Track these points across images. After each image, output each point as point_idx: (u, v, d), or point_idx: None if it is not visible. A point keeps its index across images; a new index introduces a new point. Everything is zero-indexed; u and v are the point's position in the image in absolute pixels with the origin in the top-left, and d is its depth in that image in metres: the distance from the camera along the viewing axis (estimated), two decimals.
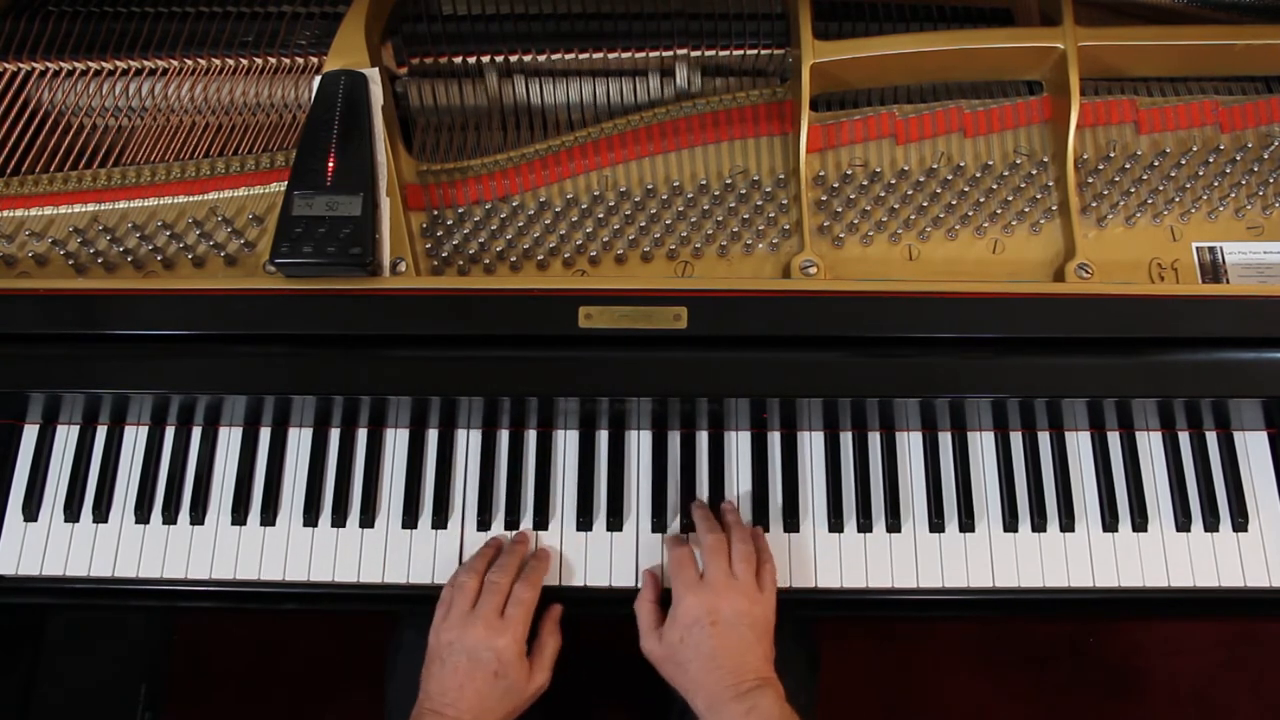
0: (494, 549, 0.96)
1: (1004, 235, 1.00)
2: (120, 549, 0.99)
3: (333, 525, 0.99)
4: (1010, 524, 0.98)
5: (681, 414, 1.00)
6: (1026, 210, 1.00)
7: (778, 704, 0.84)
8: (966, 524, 0.99)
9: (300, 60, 1.05)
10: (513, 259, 0.99)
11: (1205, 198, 1.01)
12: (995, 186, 1.00)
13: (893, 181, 1.01)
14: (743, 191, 1.01)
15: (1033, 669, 1.69)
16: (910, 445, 1.02)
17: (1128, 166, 1.01)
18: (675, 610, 0.88)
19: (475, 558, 0.95)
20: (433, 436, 1.02)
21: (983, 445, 1.01)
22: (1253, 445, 1.02)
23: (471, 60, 1.06)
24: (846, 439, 1.02)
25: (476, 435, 1.03)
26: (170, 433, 1.03)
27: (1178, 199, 1.00)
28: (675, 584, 0.90)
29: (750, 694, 0.83)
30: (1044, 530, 0.98)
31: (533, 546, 0.98)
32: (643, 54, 1.05)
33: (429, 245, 1.00)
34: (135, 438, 1.03)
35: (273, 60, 1.05)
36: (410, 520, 0.99)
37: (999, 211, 1.00)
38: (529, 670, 0.90)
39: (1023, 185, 1.01)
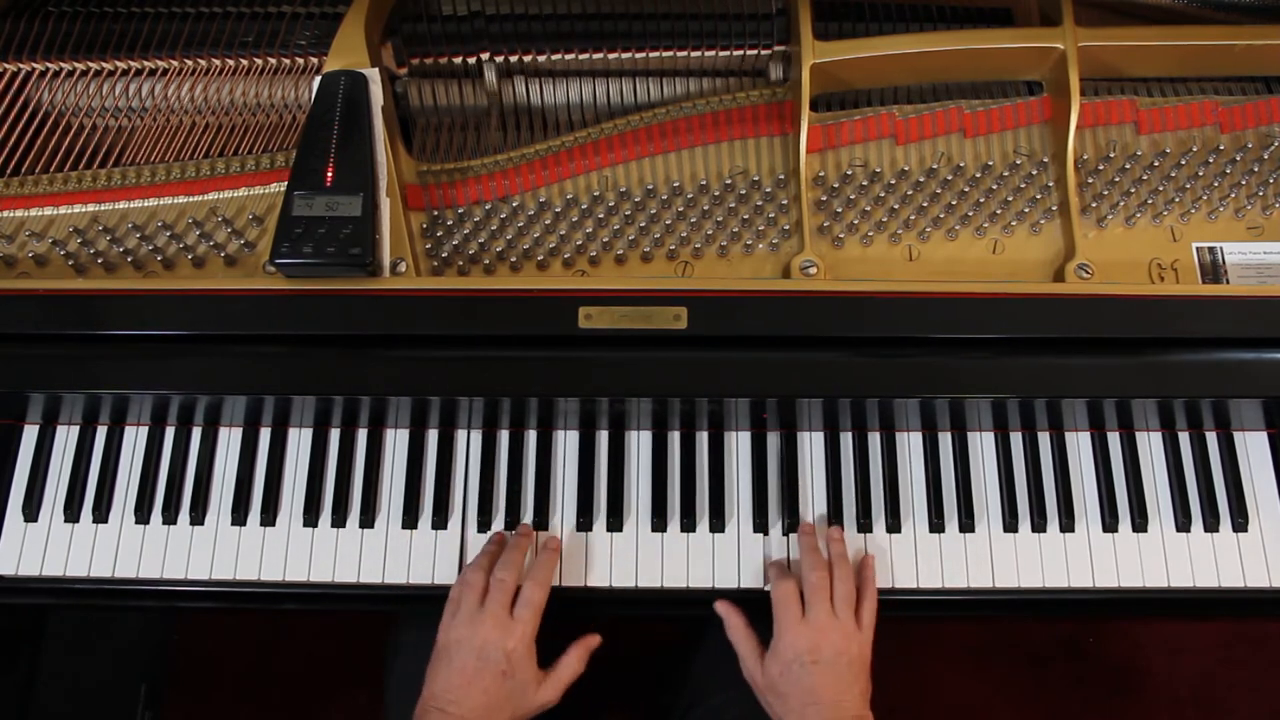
0: (497, 544, 0.96)
1: (1004, 235, 1.00)
2: (120, 549, 0.99)
3: (333, 525, 0.99)
4: (1010, 524, 0.98)
5: (681, 414, 1.00)
6: (1026, 210, 1.00)
7: None
8: (966, 524, 0.99)
9: (300, 60, 1.05)
10: (513, 259, 0.99)
11: (1205, 198, 1.01)
12: (995, 187, 1.00)
13: (893, 182, 1.01)
14: (743, 191, 1.01)
15: (1033, 669, 1.69)
16: (910, 445, 1.02)
17: (1128, 166, 1.01)
18: (777, 644, 0.89)
19: (481, 555, 0.95)
20: (433, 436, 1.02)
21: (983, 445, 1.01)
22: (1253, 445, 1.02)
23: (471, 60, 1.06)
24: (846, 439, 1.02)
25: (476, 435, 1.03)
26: (170, 433, 1.03)
27: (1178, 199, 1.00)
28: (779, 619, 0.90)
29: None
30: (1044, 530, 0.98)
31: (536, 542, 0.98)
32: (643, 54, 1.05)
33: (429, 245, 1.00)
34: (135, 438, 1.03)
35: (273, 60, 1.06)
36: (410, 520, 0.99)
37: (999, 212, 1.00)
38: (539, 678, 0.90)
39: (1023, 185, 1.01)
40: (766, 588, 0.94)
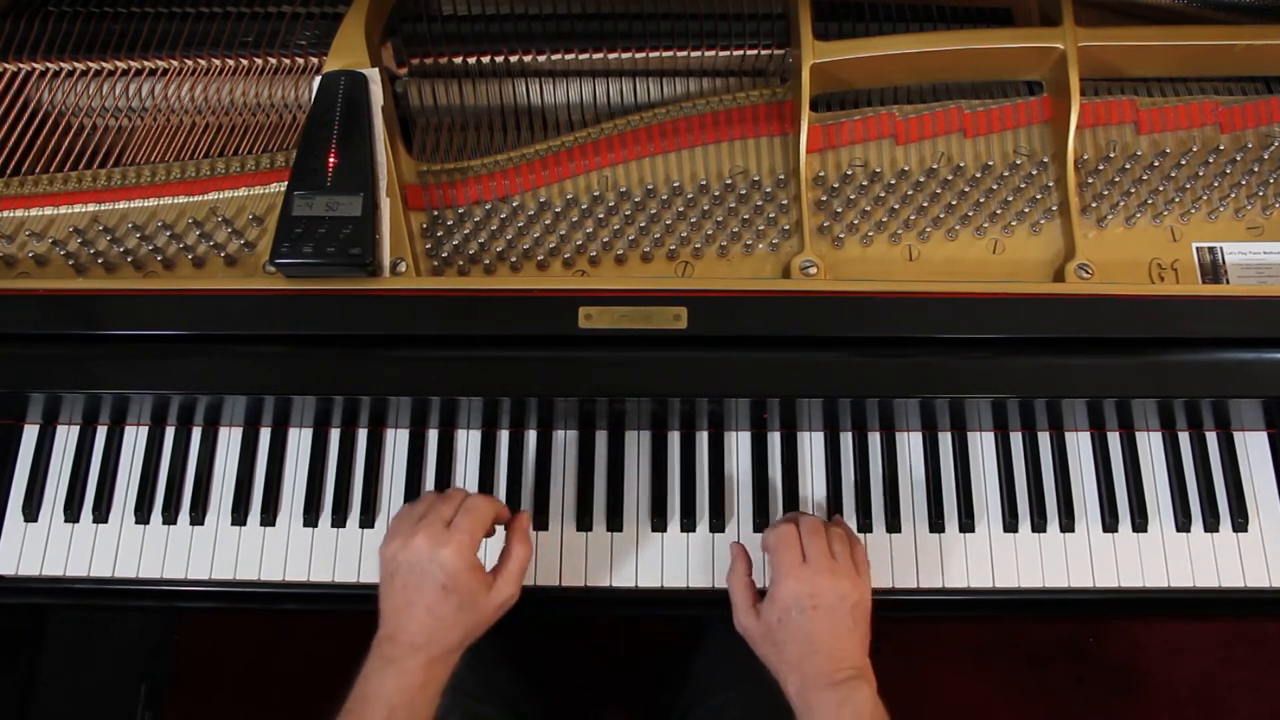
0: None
1: (1004, 235, 1.00)
2: (120, 549, 0.99)
3: (333, 525, 1.00)
4: (1010, 524, 0.98)
5: (681, 414, 1.00)
6: (1026, 210, 1.00)
7: (871, 699, 0.81)
8: (966, 524, 0.99)
9: (300, 60, 1.05)
10: (513, 259, 0.99)
11: (1205, 198, 1.01)
12: (995, 187, 1.00)
13: (893, 182, 1.01)
14: (743, 191, 1.01)
15: (1033, 669, 1.69)
16: (910, 445, 1.02)
17: (1128, 166, 1.01)
18: (776, 590, 0.86)
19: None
20: (433, 436, 1.02)
21: (983, 445, 1.01)
22: (1253, 445, 1.02)
23: (471, 60, 1.06)
24: (846, 439, 1.02)
25: (476, 435, 1.03)
26: (170, 433, 1.03)
27: (1178, 199, 1.00)
28: (778, 564, 0.87)
29: (845, 684, 0.81)
30: (1044, 530, 0.98)
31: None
32: (643, 54, 1.05)
33: (429, 245, 1.00)
34: (135, 438, 1.03)
35: (273, 60, 1.05)
36: None
37: (999, 212, 1.00)
38: (487, 582, 0.84)
39: (1023, 185, 1.01)
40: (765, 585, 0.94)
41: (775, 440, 1.02)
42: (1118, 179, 1.01)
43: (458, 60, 1.06)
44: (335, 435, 1.03)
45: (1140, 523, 0.98)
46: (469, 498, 0.86)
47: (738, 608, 0.89)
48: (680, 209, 1.01)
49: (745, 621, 0.88)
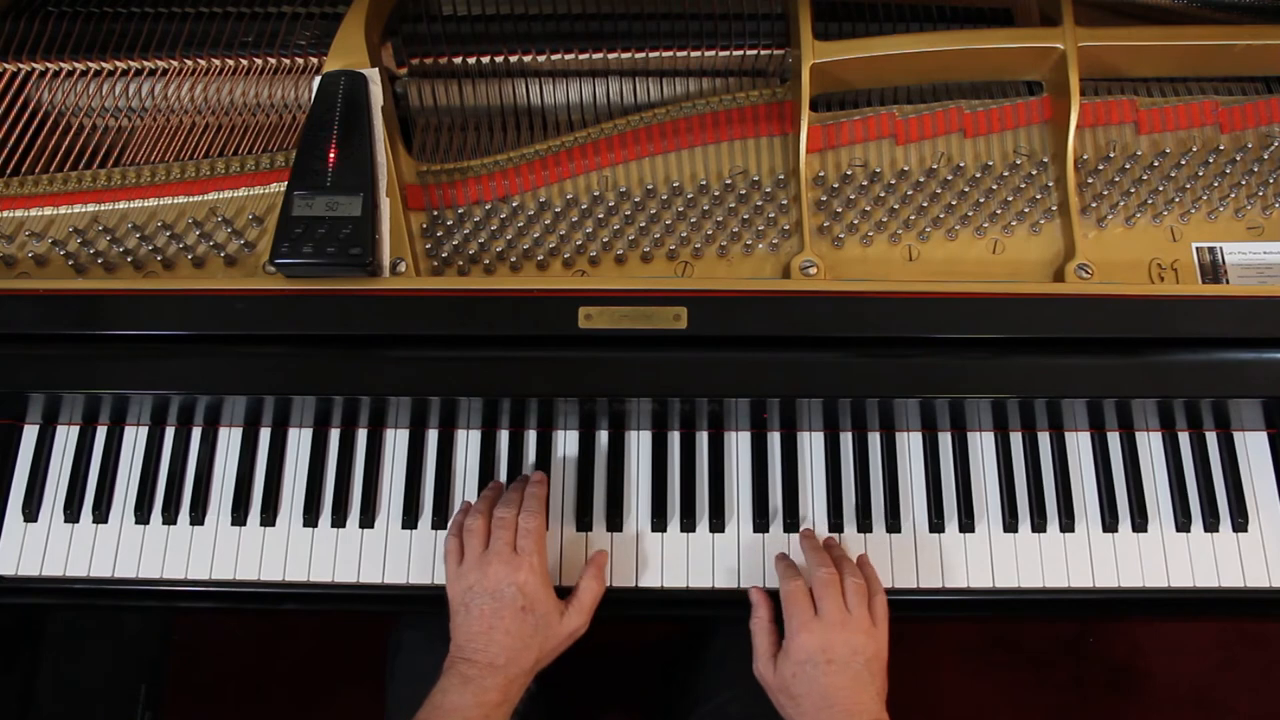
0: (494, 490, 0.97)
1: (1004, 235, 1.00)
2: (120, 549, 0.99)
3: (332, 525, 0.99)
4: (1010, 524, 0.98)
5: (681, 414, 1.00)
6: (1026, 210, 1.00)
7: None
8: (966, 524, 0.99)
9: (300, 60, 1.05)
10: (513, 259, 0.99)
11: (1205, 198, 1.01)
12: (995, 187, 1.00)
13: (893, 182, 1.01)
14: (743, 192, 1.01)
15: (1033, 669, 1.69)
16: (910, 445, 1.02)
17: (1128, 167, 1.01)
18: (789, 645, 0.87)
19: (479, 501, 0.95)
20: (433, 436, 1.02)
21: (983, 445, 1.01)
22: (1253, 445, 1.02)
23: (471, 60, 1.06)
24: (846, 439, 1.02)
25: (476, 435, 1.03)
26: (170, 433, 1.03)
27: (1177, 199, 1.00)
28: (790, 619, 0.88)
29: None
30: (1044, 530, 0.98)
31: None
32: (643, 54, 1.05)
33: (429, 245, 1.00)
34: (135, 438, 1.03)
35: (273, 60, 1.06)
36: (410, 520, 0.99)
37: (999, 212, 1.00)
38: (561, 608, 0.89)
39: (1023, 185, 1.01)
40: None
41: (775, 440, 1.02)
42: (1118, 179, 1.01)
43: (458, 60, 1.06)
44: (335, 435, 1.03)
45: (1140, 523, 0.98)
46: (520, 518, 0.90)
47: (758, 655, 0.90)
48: (680, 209, 1.01)
49: (763, 671, 0.89)
